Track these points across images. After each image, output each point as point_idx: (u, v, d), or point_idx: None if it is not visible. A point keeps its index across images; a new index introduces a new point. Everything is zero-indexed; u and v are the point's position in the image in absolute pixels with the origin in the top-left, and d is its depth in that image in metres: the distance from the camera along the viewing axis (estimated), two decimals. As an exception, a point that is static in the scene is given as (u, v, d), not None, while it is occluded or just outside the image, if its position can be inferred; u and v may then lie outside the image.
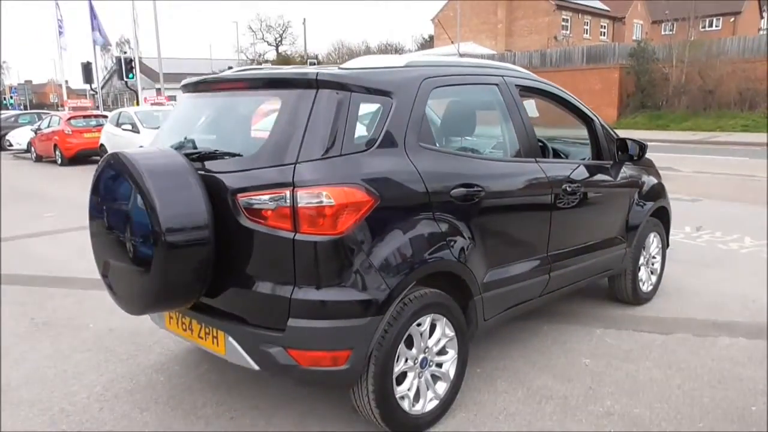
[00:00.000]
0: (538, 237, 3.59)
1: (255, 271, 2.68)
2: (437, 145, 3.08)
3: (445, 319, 2.97)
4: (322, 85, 2.68)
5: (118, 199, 2.74)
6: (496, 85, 3.49)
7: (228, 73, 3.26)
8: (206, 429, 3.03)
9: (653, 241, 4.82)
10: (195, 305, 2.88)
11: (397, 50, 58.51)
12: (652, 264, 4.88)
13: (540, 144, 3.79)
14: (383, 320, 2.66)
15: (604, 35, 43.10)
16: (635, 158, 4.35)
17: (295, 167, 2.54)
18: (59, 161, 17.06)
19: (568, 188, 3.70)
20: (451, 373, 3.05)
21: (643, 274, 4.72)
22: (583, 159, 4.21)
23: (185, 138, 3.08)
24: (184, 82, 3.34)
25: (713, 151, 17.11)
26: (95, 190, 2.90)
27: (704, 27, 45.86)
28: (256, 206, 2.59)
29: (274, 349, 2.60)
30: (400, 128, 2.84)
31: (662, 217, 4.89)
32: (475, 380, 3.43)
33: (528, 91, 3.74)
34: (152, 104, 19.42)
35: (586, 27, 42.67)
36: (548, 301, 3.95)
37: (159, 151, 2.87)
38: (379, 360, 2.68)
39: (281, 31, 62.81)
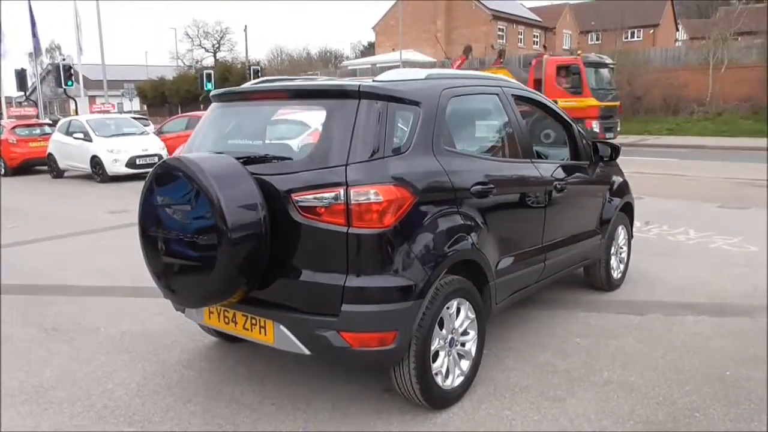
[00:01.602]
0: (535, 229, 4.00)
1: (308, 263, 2.95)
2: (456, 148, 3.43)
3: (467, 302, 3.32)
4: (364, 96, 2.99)
5: (178, 201, 2.95)
6: (497, 94, 3.89)
7: (269, 84, 3.52)
8: (252, 416, 3.25)
9: (621, 233, 5.34)
10: (242, 299, 3.11)
11: (337, 57, 58.93)
12: (621, 254, 5.40)
13: None
14: (423, 303, 2.98)
15: (536, 44, 44.89)
16: (609, 159, 4.85)
17: (346, 168, 2.84)
18: (3, 171, 16.45)
19: (558, 185, 4.14)
20: (473, 352, 3.41)
21: (614, 262, 5.23)
22: (563, 159, 4.66)
23: (228, 143, 3.32)
24: (218, 92, 3.57)
25: (646, 153, 18.23)
26: (150, 193, 3.09)
27: (627, 37, 48.58)
28: (310, 204, 2.87)
29: (328, 333, 2.88)
30: (429, 133, 3.18)
31: (627, 211, 5.43)
32: (487, 360, 3.78)
33: (521, 99, 4.15)
34: (98, 112, 18.97)
35: (520, 36, 44.42)
36: (542, 287, 4.38)
37: (215, 155, 3.10)
38: (420, 340, 3.00)
39: (219, 38, 62.11)
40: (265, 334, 3.12)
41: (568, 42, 48.15)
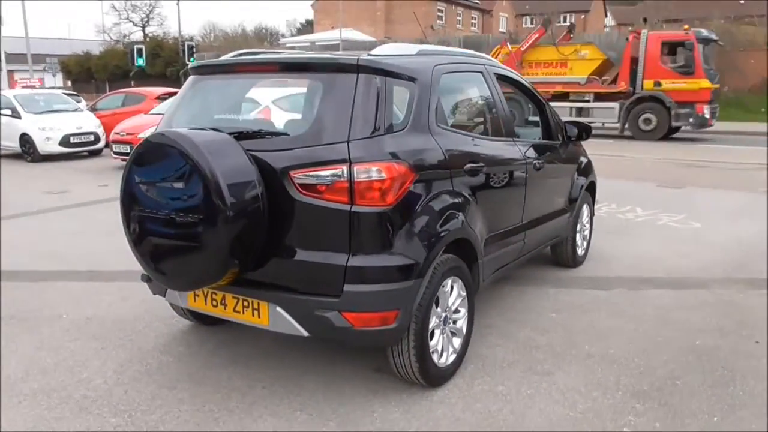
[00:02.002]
0: (517, 207, 4.06)
1: (308, 242, 2.87)
2: (447, 125, 3.41)
3: (460, 281, 3.33)
4: (363, 70, 2.92)
5: (168, 178, 2.80)
6: (481, 72, 3.89)
7: (259, 56, 3.36)
8: (245, 400, 3.16)
9: (585, 212, 5.50)
10: (232, 280, 3.00)
11: (273, 34, 57.59)
12: (584, 231, 5.57)
13: None
14: (424, 282, 2.97)
15: (474, 26, 45.42)
16: (578, 138, 4.96)
17: (348, 145, 2.77)
18: None
19: (536, 165, 4.20)
20: (464, 330, 3.43)
21: (578, 240, 5.39)
22: (536, 139, 4.74)
23: (214, 118, 3.17)
24: (200, 63, 3.39)
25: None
26: (137, 171, 2.92)
27: (559, 22, 49.82)
28: (311, 182, 2.79)
29: (330, 314, 2.82)
30: (425, 110, 3.15)
31: (591, 190, 5.59)
32: (471, 338, 3.83)
33: (501, 79, 4.17)
34: (24, 87, 17.86)
35: (459, 18, 44.72)
36: (519, 264, 4.45)
37: (207, 130, 2.95)
38: (419, 318, 2.99)
39: (148, 11, 59.39)
40: (259, 317, 3.03)
41: (505, 25, 48.92)
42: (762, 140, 16.03)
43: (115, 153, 11.03)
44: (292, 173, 2.82)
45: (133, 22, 59.69)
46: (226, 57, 3.51)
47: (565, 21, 51.43)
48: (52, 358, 3.65)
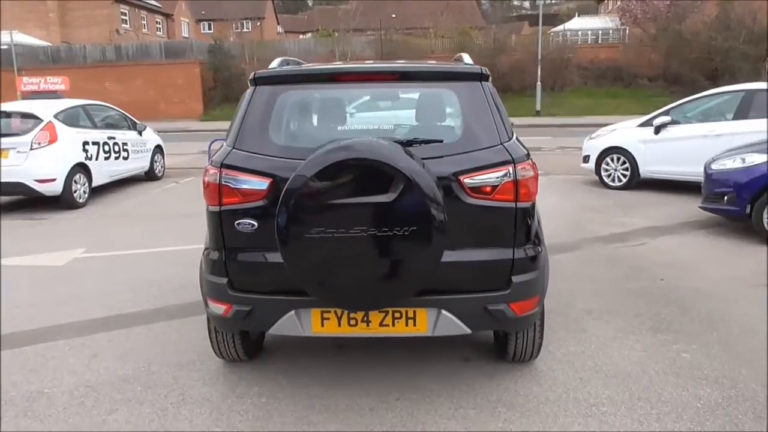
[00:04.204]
0: None
1: (476, 242, 2.96)
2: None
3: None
4: (484, 78, 3.12)
5: (368, 193, 2.60)
6: None
7: (378, 65, 3.17)
8: (396, 409, 3.07)
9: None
10: None
11: None
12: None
13: None
14: (547, 266, 3.31)
15: (160, 31, 43.14)
16: None
17: (506, 147, 2.97)
18: None
19: None
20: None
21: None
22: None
23: (338, 129, 2.96)
24: (288, 72, 3.07)
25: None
26: (318, 188, 2.61)
27: (238, 29, 50.94)
28: (480, 184, 2.89)
29: (501, 306, 2.98)
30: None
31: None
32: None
33: None
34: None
35: (143, 22, 41.83)
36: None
37: (383, 141, 2.76)
38: (542, 300, 3.32)
39: None
40: (415, 325, 2.99)
41: (186, 30, 47.64)
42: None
43: None
44: (462, 178, 2.87)
45: None
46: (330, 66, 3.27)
47: (242, 27, 52.65)
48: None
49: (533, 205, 3.08)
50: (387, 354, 3.67)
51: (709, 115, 8.76)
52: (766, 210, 6.08)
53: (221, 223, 3.03)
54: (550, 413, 3.05)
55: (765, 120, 7.78)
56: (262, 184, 2.94)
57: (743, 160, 6.37)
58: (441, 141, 3.01)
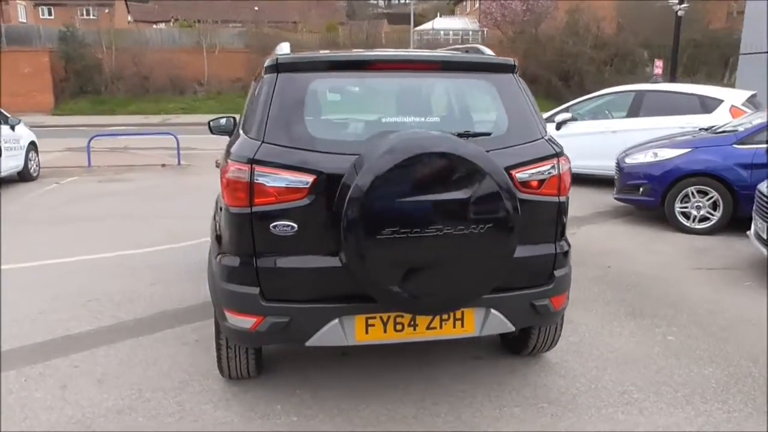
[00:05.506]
0: None
1: (525, 237, 2.89)
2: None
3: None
4: (516, 70, 3.08)
5: (446, 191, 2.44)
6: None
7: (413, 53, 2.95)
8: (425, 407, 2.95)
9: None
10: None
11: None
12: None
13: None
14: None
15: (-5, 13, 38.18)
16: None
17: (549, 141, 2.95)
18: None
19: None
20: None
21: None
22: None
23: (383, 122, 2.76)
24: (344, 57, 2.80)
25: (198, 131, 18.73)
26: (392, 186, 2.40)
27: (83, 15, 46.99)
28: (530, 178, 2.85)
29: (545, 302, 2.96)
30: None
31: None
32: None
33: None
34: None
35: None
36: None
37: (445, 134, 2.59)
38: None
39: None
40: (463, 326, 2.89)
41: (24, 14, 42.83)
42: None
43: None
44: (513, 172, 2.80)
45: None
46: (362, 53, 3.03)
47: (88, 14, 48.53)
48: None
49: (568, 199, 3.10)
50: (393, 358, 3.51)
51: (605, 113, 9.47)
52: (677, 200, 6.68)
53: (251, 225, 2.70)
54: (590, 405, 3.09)
55: (655, 118, 8.60)
56: (303, 181, 2.67)
57: (655, 154, 6.96)
58: (489, 134, 2.92)
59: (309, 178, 2.66)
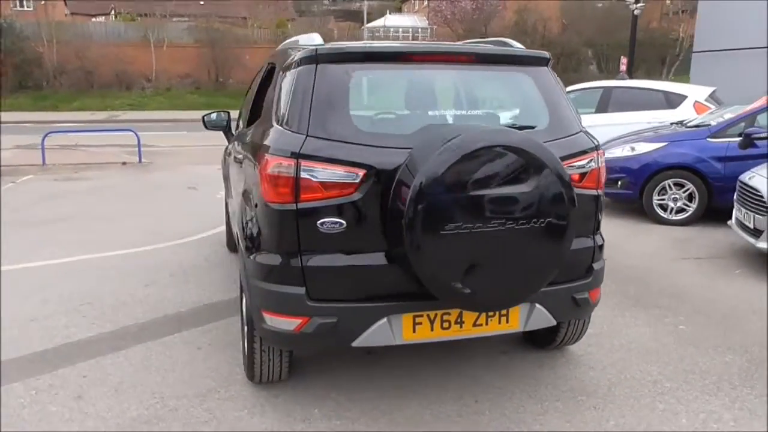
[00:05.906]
0: None
1: (567, 231, 2.89)
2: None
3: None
4: (549, 63, 3.06)
5: (508, 184, 2.39)
6: None
7: (452, 45, 2.86)
8: (467, 407, 2.90)
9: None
10: None
11: None
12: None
13: None
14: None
15: None
16: None
17: (587, 134, 2.94)
18: None
19: None
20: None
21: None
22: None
23: (429, 114, 2.70)
24: (386, 49, 2.69)
25: (149, 128, 18.12)
26: (456, 180, 2.33)
27: (17, 6, 44.81)
28: (573, 172, 2.82)
29: (585, 295, 2.96)
30: None
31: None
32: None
33: None
34: None
35: None
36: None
37: (504, 127, 2.53)
38: None
39: None
40: (508, 322, 2.84)
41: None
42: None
43: None
44: (561, 165, 2.78)
45: None
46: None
47: (22, 6, 46.24)
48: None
49: (604, 192, 3.11)
50: (416, 356, 3.44)
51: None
52: (654, 193, 6.87)
53: (297, 223, 2.59)
54: (627, 395, 3.11)
55: (623, 113, 8.84)
56: (353, 175, 2.57)
57: (632, 148, 7.13)
58: (533, 127, 2.89)
59: (360, 173, 2.57)
